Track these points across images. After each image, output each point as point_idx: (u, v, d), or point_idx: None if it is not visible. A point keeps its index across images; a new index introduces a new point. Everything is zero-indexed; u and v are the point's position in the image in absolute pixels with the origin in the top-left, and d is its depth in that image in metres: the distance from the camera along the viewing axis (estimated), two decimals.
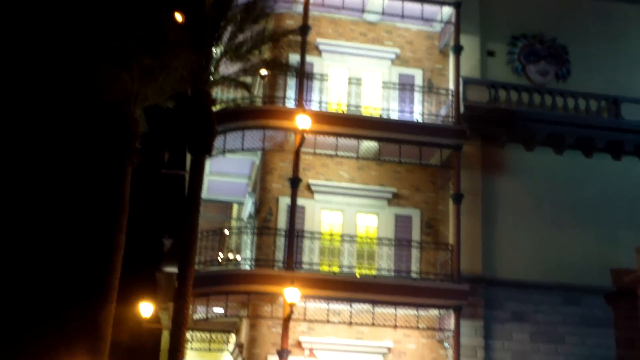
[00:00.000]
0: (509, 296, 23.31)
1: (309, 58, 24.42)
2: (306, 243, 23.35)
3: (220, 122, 21.87)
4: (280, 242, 22.99)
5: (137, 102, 20.86)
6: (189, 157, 23.39)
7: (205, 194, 26.81)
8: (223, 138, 22.93)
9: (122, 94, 20.48)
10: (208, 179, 27.03)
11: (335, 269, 23.20)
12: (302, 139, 22.62)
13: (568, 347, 23.13)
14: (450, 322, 22.23)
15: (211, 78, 21.01)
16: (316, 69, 25.02)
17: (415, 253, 23.95)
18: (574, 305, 23.57)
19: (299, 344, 22.49)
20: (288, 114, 22.89)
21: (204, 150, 20.30)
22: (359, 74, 25.46)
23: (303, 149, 23.19)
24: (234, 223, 31.81)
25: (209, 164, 25.51)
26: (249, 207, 26.59)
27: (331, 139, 23.22)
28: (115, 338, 19.64)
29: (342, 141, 23.24)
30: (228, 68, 21.96)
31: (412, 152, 23.58)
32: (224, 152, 23.26)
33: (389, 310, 22.31)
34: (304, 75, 23.63)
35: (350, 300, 21.93)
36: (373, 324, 22.17)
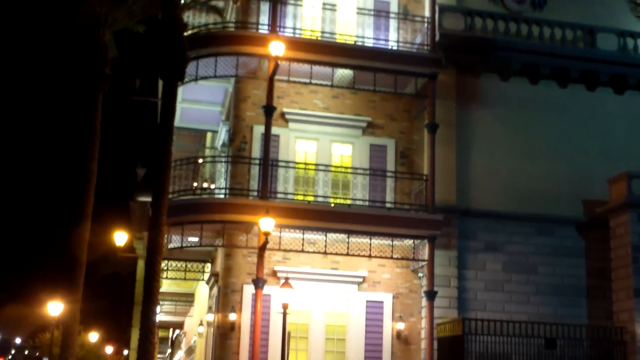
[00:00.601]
0: (483, 226, 23.47)
1: None
2: (281, 172, 23.19)
3: (192, 48, 21.43)
4: (255, 171, 22.78)
5: (107, 26, 20.39)
6: (161, 83, 22.94)
7: (178, 121, 26.47)
8: (195, 64, 22.44)
9: (91, 17, 19.97)
10: (181, 106, 26.59)
11: (310, 199, 23.11)
12: (276, 66, 22.21)
13: (540, 277, 23.45)
14: (425, 252, 22.35)
15: (182, 1, 20.48)
16: None
17: (389, 183, 23.91)
18: (546, 236, 23.81)
19: (274, 274, 22.54)
20: (262, 40, 22.39)
21: (176, 76, 19.92)
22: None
23: (277, 77, 22.79)
24: (207, 152, 31.51)
25: (182, 91, 25.05)
26: (222, 135, 26.28)
27: (305, 67, 22.83)
28: (91, 268, 19.66)
29: (317, 69, 22.87)
30: None
31: (387, 80, 23.30)
32: (196, 79, 22.79)
33: (363, 240, 22.36)
34: (277, 0, 23.10)
35: (325, 230, 21.91)
36: (348, 254, 22.23)
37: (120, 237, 27.07)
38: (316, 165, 23.47)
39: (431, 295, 21.82)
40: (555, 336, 21.21)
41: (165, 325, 55.11)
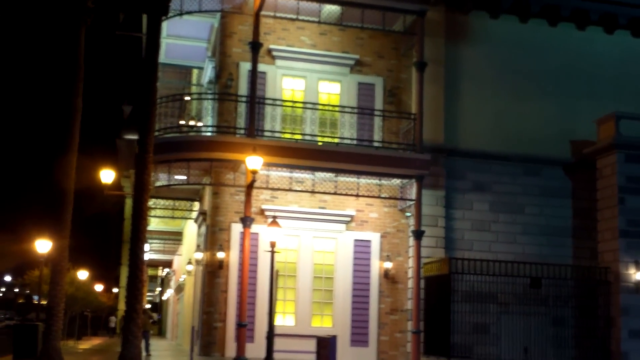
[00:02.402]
0: (470, 166, 23.46)
1: None
2: (268, 110, 23.00)
3: None
4: (242, 108, 22.60)
5: None
6: (145, 18, 22.55)
7: (163, 58, 26.13)
8: None
9: None
10: (166, 42, 26.27)
11: (298, 137, 23.00)
12: (262, 1, 21.86)
13: (526, 217, 23.55)
14: (412, 192, 22.36)
15: None
16: None
17: (377, 122, 23.79)
18: (533, 176, 23.84)
19: (262, 212, 22.54)
20: None
21: (160, 10, 19.48)
22: None
23: (263, 12, 22.46)
24: (194, 89, 31.22)
25: (166, 26, 24.73)
26: (208, 72, 25.99)
27: (292, 2, 22.48)
28: (79, 206, 19.60)
29: (304, 4, 22.52)
30: None
31: (375, 17, 22.97)
32: (181, 13, 22.42)
33: (351, 179, 22.34)
34: None
35: (313, 169, 21.87)
36: (336, 193, 22.24)
37: (107, 175, 26.92)
38: (304, 103, 23.30)
39: (418, 234, 21.91)
40: (540, 276, 21.43)
41: (155, 264, 55.52)
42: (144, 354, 21.98)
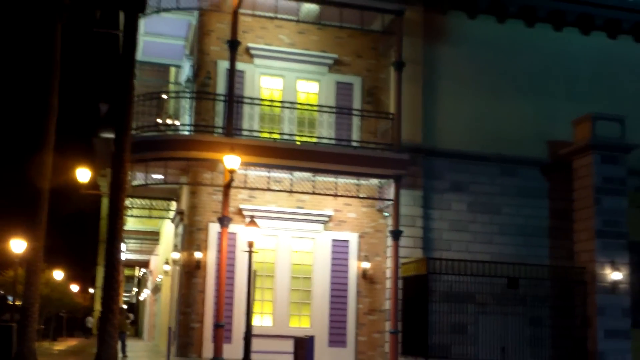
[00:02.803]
0: (448, 166, 23.49)
1: None
2: (246, 109, 22.91)
3: None
4: (220, 107, 22.49)
5: None
6: (122, 15, 22.37)
7: (141, 56, 26.00)
8: None
9: None
10: (143, 39, 26.09)
11: (276, 136, 22.91)
12: None
13: (504, 218, 23.60)
14: (390, 192, 22.36)
15: None
16: None
17: (356, 121, 23.77)
18: (510, 177, 23.92)
19: (240, 212, 22.43)
20: None
21: (137, 7, 19.34)
22: None
23: (242, 10, 22.38)
24: (171, 87, 31.05)
25: (144, 24, 24.55)
26: (186, 70, 25.86)
27: (271, 0, 22.48)
28: (54, 206, 19.43)
29: (282, 3, 22.49)
30: None
31: (354, 16, 22.99)
32: (158, 10, 22.30)
33: (329, 179, 22.29)
34: None
35: (291, 169, 21.80)
36: (314, 193, 22.18)
37: (83, 174, 26.69)
38: (282, 102, 23.23)
39: (396, 234, 21.91)
40: (517, 276, 21.49)
41: (131, 264, 55.14)
42: (120, 355, 21.82)
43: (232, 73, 21.79)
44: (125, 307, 34.47)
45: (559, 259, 23.42)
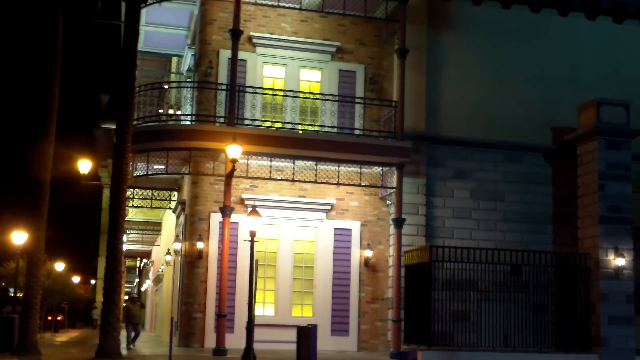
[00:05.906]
0: (451, 154, 23.37)
1: None
2: (248, 98, 22.79)
3: None
4: (222, 96, 22.38)
5: None
6: (123, 5, 22.26)
7: (142, 45, 25.86)
8: None
9: None
10: (145, 29, 25.98)
11: (278, 125, 22.78)
12: None
13: (507, 205, 23.51)
14: (393, 180, 22.26)
15: None
16: None
17: (358, 109, 23.66)
18: (514, 163, 23.81)
19: (241, 201, 22.35)
20: None
21: None
22: None
23: None
24: (173, 77, 30.91)
25: (145, 14, 24.41)
26: (188, 60, 25.71)
27: None
28: (56, 197, 19.39)
29: None
30: None
31: (357, 3, 22.86)
32: (160, 0, 22.14)
33: (332, 168, 22.19)
34: None
35: (293, 157, 21.68)
36: (316, 181, 22.07)
37: (84, 165, 26.59)
38: (284, 91, 23.09)
39: (399, 222, 21.82)
40: (520, 263, 21.37)
41: (133, 255, 55.10)
42: (123, 345, 21.65)
43: (234, 62, 21.65)
44: (132, 296, 34.33)
45: (562, 246, 23.32)
